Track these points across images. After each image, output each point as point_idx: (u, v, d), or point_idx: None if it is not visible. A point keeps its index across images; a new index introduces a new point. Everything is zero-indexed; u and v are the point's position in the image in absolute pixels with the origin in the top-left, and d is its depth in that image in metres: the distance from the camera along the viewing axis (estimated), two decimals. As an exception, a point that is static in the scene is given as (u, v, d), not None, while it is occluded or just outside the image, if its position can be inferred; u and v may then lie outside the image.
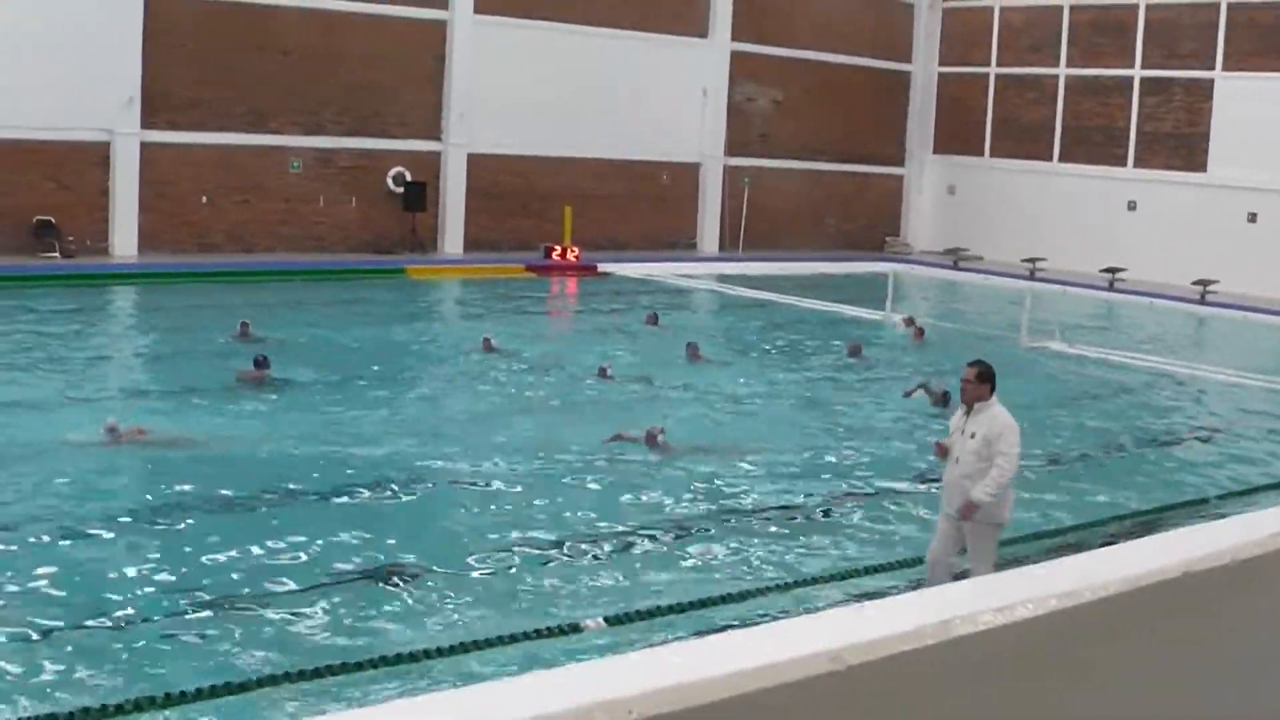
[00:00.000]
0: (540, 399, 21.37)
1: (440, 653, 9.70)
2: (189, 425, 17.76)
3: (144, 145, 36.14)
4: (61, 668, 9.77)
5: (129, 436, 16.42)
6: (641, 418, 18.70)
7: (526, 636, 9.79)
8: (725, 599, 11.24)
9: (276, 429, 18.04)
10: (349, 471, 15.83)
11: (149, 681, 9.46)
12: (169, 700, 8.94)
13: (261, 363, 20.78)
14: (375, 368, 23.20)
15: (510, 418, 19.65)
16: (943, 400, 20.32)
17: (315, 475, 15.57)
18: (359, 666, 9.46)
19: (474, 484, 15.67)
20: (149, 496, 14.72)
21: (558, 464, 16.60)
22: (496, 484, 15.65)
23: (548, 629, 9.98)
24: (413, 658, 9.60)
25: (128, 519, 13.70)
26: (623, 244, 44.40)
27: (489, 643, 9.83)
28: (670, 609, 10.77)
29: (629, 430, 17.61)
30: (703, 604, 11.02)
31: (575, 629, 10.00)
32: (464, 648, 9.71)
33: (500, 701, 3.55)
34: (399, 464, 16.30)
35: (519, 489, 15.44)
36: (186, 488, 14.82)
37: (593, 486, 15.72)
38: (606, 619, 10.18)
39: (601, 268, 40.35)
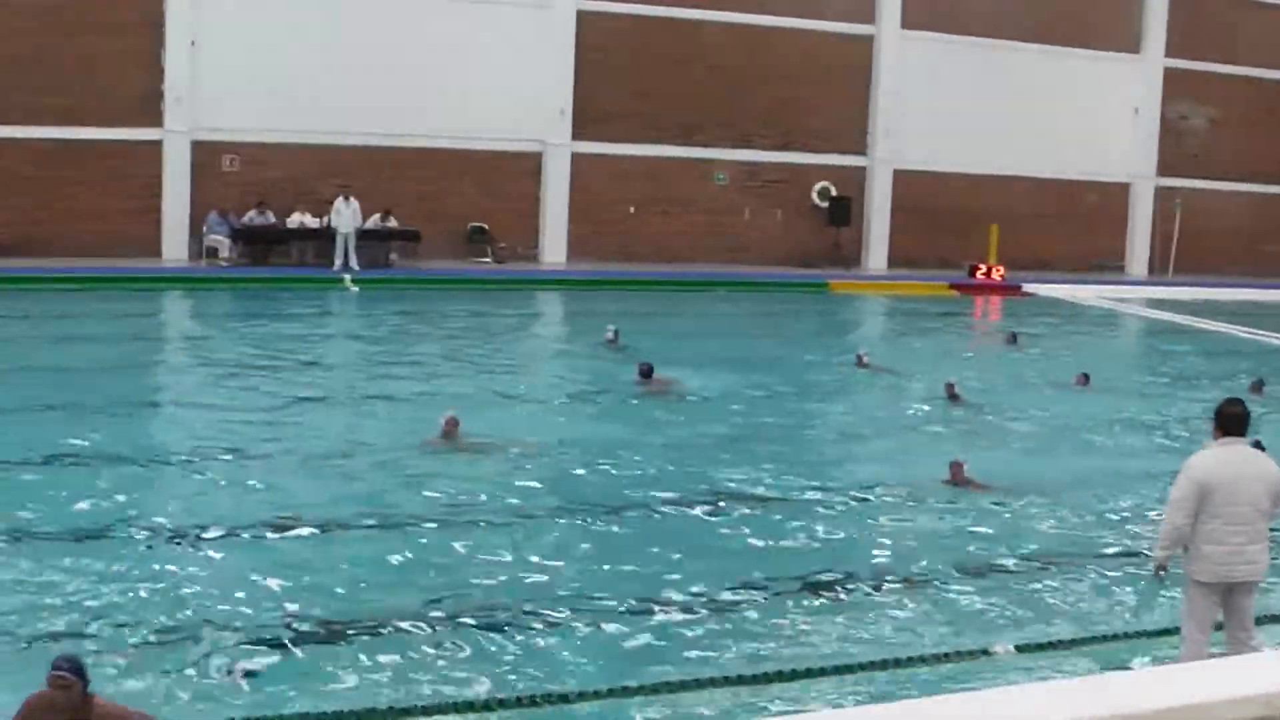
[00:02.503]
0: (898, 418, 18.59)
1: (862, 667, 9.03)
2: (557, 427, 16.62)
3: (574, 156, 35.14)
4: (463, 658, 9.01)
5: (450, 431, 14.82)
6: (974, 444, 16.22)
7: (937, 659, 9.20)
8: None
9: (656, 435, 16.41)
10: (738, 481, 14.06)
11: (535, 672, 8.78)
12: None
13: (647, 371, 18.99)
14: (774, 379, 20.86)
15: (866, 440, 17.12)
16: None
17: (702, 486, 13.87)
18: (801, 674, 8.93)
19: (832, 505, 13.48)
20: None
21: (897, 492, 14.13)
22: (849, 504, 13.58)
23: (957, 652, 9.39)
24: (846, 669, 9.00)
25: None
26: (1047, 264, 40.31)
27: (909, 661, 9.15)
28: (1075, 642, 9.76)
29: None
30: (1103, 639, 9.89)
31: (985, 653, 9.37)
32: (883, 664, 9.07)
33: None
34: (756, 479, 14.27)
35: (853, 511, 13.38)
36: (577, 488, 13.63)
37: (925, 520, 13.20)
38: (1016, 647, 9.47)
39: (1026, 288, 36.62)
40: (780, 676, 8.75)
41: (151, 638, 9.03)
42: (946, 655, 9.26)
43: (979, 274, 37.31)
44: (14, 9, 30.82)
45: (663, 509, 12.90)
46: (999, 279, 37.10)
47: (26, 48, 30.84)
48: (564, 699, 8.29)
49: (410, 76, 33.38)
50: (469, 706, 8.12)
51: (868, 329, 30.49)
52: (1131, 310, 34.54)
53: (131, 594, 9.80)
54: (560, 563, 11.11)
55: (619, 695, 8.37)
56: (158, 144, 32.07)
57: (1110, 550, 12.30)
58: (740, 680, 8.64)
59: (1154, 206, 42.74)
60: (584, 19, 35.15)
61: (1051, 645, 9.66)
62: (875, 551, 11.91)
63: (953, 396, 18.97)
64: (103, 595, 9.74)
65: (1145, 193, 42.70)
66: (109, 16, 31.48)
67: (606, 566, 11.09)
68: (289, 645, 9.07)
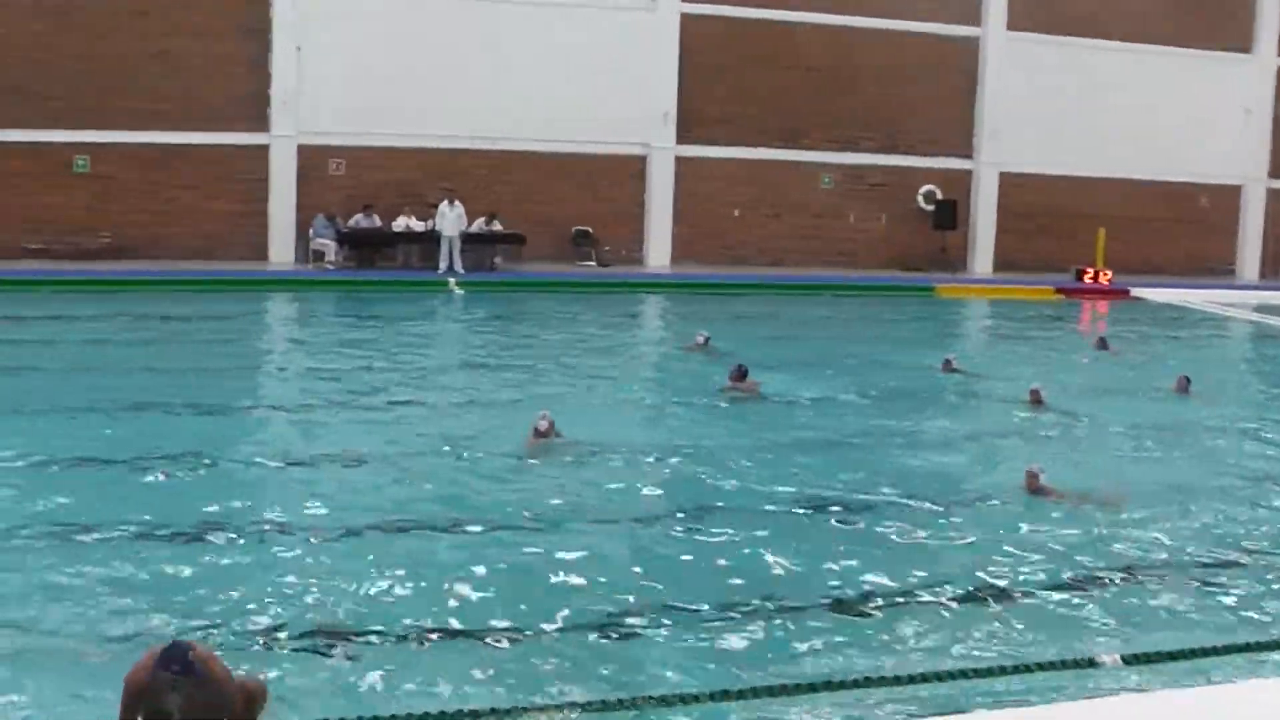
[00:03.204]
0: (981, 424, 17.93)
1: (964, 675, 8.62)
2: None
3: (678, 159, 34.47)
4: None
5: (546, 432, 14.35)
6: (1057, 451, 15.47)
7: (1040, 667, 8.71)
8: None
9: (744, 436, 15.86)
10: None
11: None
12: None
13: (738, 374, 18.20)
14: (864, 382, 20.08)
15: (945, 446, 16.10)
16: None
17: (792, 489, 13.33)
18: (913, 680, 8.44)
19: (909, 512, 12.70)
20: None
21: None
22: (926, 511, 12.74)
23: (1062, 661, 8.91)
24: (962, 674, 8.63)
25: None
26: (1157, 268, 38.90)
27: (1001, 670, 8.74)
28: (1193, 652, 9.13)
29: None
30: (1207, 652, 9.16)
31: (1092, 663, 8.84)
32: (988, 672, 8.75)
33: None
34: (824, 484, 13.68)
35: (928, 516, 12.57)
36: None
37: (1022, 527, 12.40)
38: (1123, 657, 8.95)
39: (1134, 292, 35.31)
40: (897, 680, 8.41)
41: (255, 637, 8.83)
42: (1053, 664, 8.81)
43: (1086, 278, 36.02)
44: (118, 14, 30.68)
45: (743, 513, 12.32)
46: (1106, 283, 35.80)
47: (131, 53, 30.71)
48: (664, 702, 7.98)
49: (515, 80, 32.89)
50: (557, 709, 7.77)
51: (969, 333, 29.53)
52: (1241, 315, 33.13)
53: (234, 593, 9.59)
54: (646, 566, 10.75)
55: (707, 700, 7.95)
56: (264, 148, 31.74)
57: (1202, 560, 11.46)
58: (840, 685, 8.31)
59: (1266, 209, 41.12)
60: (688, 22, 34.47)
61: (1161, 656, 9.17)
62: (954, 560, 11.20)
63: (1037, 402, 18.04)
64: (205, 595, 9.54)
65: (1257, 195, 41.09)
66: (214, 22, 31.29)
67: (693, 570, 10.71)
68: (384, 644, 8.84)
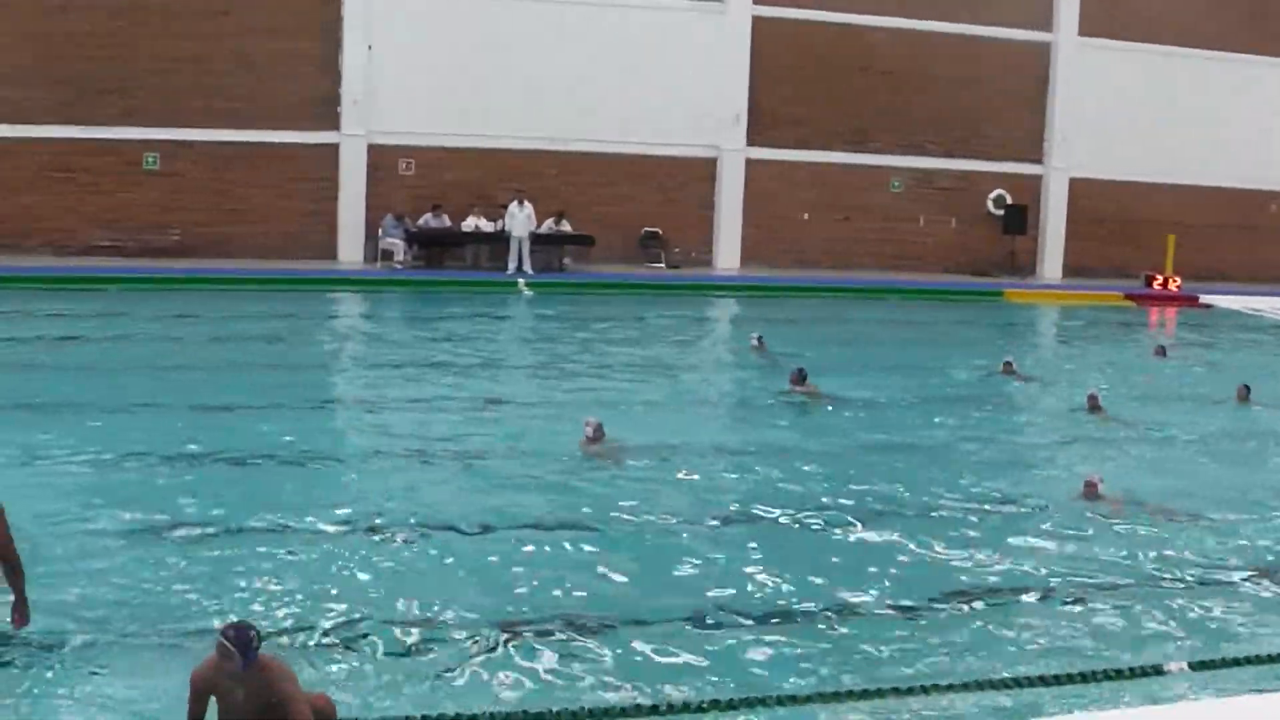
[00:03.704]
0: (1037, 429, 17.65)
1: (1030, 682, 8.49)
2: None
3: (748, 161, 34.04)
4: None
5: (596, 437, 14.23)
6: (1113, 458, 15.29)
7: (1107, 675, 8.64)
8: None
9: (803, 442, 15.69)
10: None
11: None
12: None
13: (797, 377, 17.95)
14: (923, 386, 19.85)
15: (1001, 450, 15.91)
16: None
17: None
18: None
19: (964, 518, 12.53)
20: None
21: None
22: (982, 516, 12.60)
23: (1130, 669, 8.86)
24: (1041, 680, 8.50)
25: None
26: (1227, 275, 38.06)
27: (1068, 678, 8.55)
28: (1259, 659, 9.09)
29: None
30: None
31: (1158, 670, 8.86)
32: (1055, 680, 8.55)
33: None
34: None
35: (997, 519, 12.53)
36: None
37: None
38: (1190, 664, 8.91)
39: (1203, 299, 34.51)
40: (965, 687, 8.39)
41: (327, 633, 8.83)
42: (1119, 671, 8.74)
43: (1155, 284, 35.26)
44: (189, 13, 30.47)
45: (795, 518, 12.20)
46: (1175, 289, 35.03)
47: (201, 52, 30.50)
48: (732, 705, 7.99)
49: (585, 81, 32.53)
50: (588, 715, 7.72)
51: (1034, 338, 28.96)
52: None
53: (297, 590, 9.59)
54: (699, 570, 10.62)
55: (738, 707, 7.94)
56: (334, 147, 31.42)
57: (1262, 568, 11.26)
58: (906, 692, 8.23)
59: (1338, 217, 40.21)
60: (759, 25, 34.04)
61: (1228, 663, 9.10)
62: (1014, 566, 11.04)
63: (1095, 408, 17.63)
64: (270, 592, 9.54)
65: (1329, 203, 40.18)
66: (287, 21, 31.04)
67: (746, 573, 10.54)
68: (447, 643, 8.80)
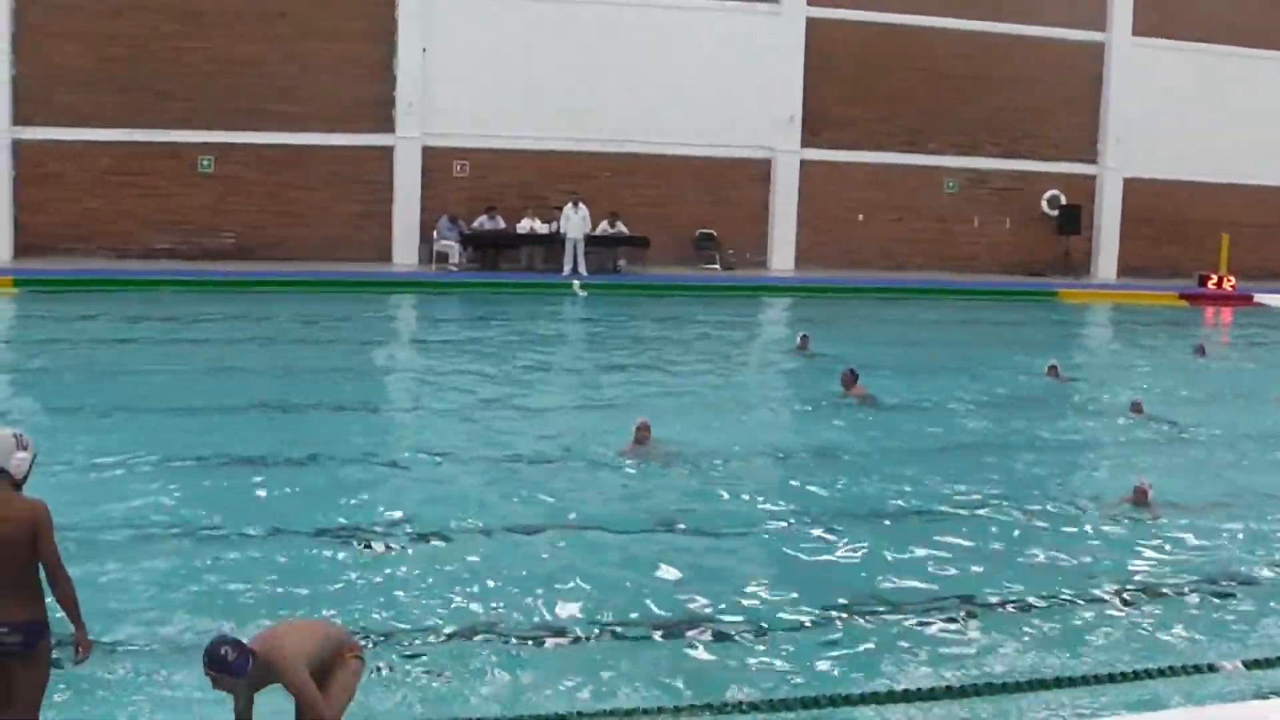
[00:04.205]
0: (1080, 432, 17.22)
1: (1085, 681, 8.52)
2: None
3: (803, 163, 33.69)
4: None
5: (643, 439, 14.09)
6: (1156, 461, 15.05)
7: (1161, 673, 8.68)
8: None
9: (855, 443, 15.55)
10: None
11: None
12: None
13: (849, 378, 17.70)
14: (970, 388, 19.47)
15: (1045, 454, 15.60)
16: None
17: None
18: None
19: (1006, 520, 12.38)
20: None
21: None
22: (1024, 519, 12.41)
23: (1183, 667, 8.83)
24: (1096, 679, 8.53)
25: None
26: (1279, 274, 37.65)
27: (1122, 676, 8.59)
28: None
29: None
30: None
31: (1212, 669, 8.81)
32: (1109, 678, 8.60)
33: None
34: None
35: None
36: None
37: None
38: (1244, 663, 8.91)
39: (1257, 298, 33.97)
40: (1019, 687, 8.38)
41: (368, 632, 8.73)
42: (1174, 670, 8.75)
43: (1209, 284, 34.71)
44: (245, 17, 30.39)
45: (843, 518, 12.12)
46: (1230, 289, 34.51)
47: (257, 55, 30.43)
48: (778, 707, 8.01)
49: (639, 83, 32.29)
50: (641, 713, 7.78)
51: (1086, 338, 28.45)
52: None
53: (347, 590, 9.63)
54: (743, 571, 10.52)
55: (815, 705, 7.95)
56: (389, 149, 31.20)
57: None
58: (960, 694, 8.23)
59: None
60: (813, 25, 33.73)
61: None
62: (1066, 568, 10.95)
63: (1138, 411, 17.26)
64: (323, 592, 9.55)
65: (1384, 201, 39.49)
66: (342, 24, 30.93)
67: (797, 575, 10.49)
68: (490, 646, 8.74)
